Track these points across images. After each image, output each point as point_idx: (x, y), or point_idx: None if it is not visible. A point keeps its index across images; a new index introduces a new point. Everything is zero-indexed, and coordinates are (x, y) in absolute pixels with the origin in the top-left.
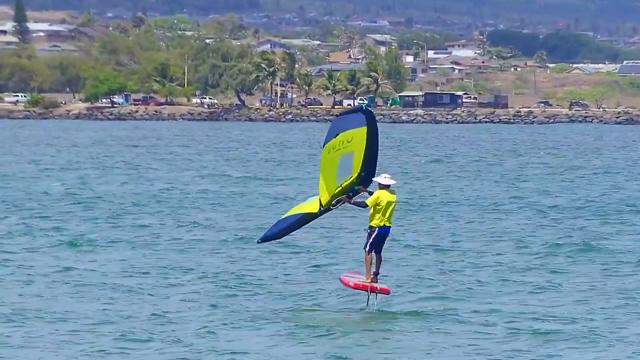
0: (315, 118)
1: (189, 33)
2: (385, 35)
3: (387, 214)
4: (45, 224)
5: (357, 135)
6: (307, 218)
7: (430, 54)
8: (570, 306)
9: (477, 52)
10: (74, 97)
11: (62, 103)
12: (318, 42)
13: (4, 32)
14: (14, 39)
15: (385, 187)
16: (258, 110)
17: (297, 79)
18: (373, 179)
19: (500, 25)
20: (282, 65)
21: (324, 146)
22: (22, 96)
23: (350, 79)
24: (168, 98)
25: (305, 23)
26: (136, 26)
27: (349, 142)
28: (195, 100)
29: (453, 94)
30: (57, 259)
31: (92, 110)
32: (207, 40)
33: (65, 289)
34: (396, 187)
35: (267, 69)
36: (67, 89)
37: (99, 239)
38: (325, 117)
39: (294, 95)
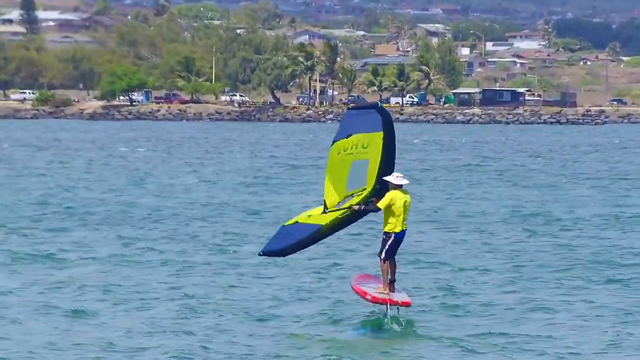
0: None
1: (217, 22)
2: (438, 25)
3: (402, 217)
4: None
5: (373, 142)
6: (319, 234)
7: (489, 45)
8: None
9: (542, 43)
10: (88, 95)
11: (74, 101)
12: (362, 32)
13: (10, 21)
14: (21, 29)
15: (398, 187)
16: (295, 109)
17: (339, 74)
18: (384, 177)
19: (568, 13)
20: (322, 58)
21: (333, 144)
22: (30, 93)
23: (399, 74)
24: (193, 95)
25: (348, 11)
26: (158, 15)
27: (365, 148)
28: (224, 98)
29: (514, 90)
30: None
31: (108, 109)
32: (238, 31)
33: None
34: (408, 186)
35: (305, 63)
36: (81, 85)
37: None
38: None
39: (335, 93)
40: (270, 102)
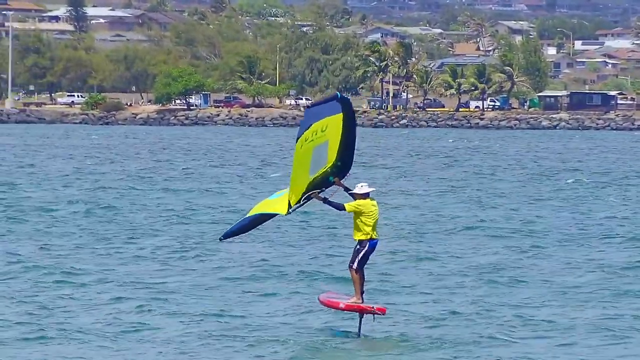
0: (435, 123)
1: (281, 20)
2: (522, 22)
3: (373, 225)
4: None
5: (332, 123)
6: (271, 216)
7: (578, 44)
8: None
9: (636, 42)
10: (142, 98)
11: (127, 105)
12: (439, 30)
13: (57, 18)
14: (69, 27)
15: (365, 196)
16: (365, 114)
17: (414, 76)
18: (350, 191)
19: None
20: (395, 58)
21: (297, 141)
22: (78, 96)
23: (479, 75)
24: (256, 99)
25: (423, 7)
26: (217, 11)
27: (323, 131)
28: (289, 101)
29: (605, 93)
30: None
31: (163, 113)
32: (304, 29)
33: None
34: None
35: (377, 64)
36: (133, 88)
37: None
38: (447, 122)
39: (410, 96)
40: None
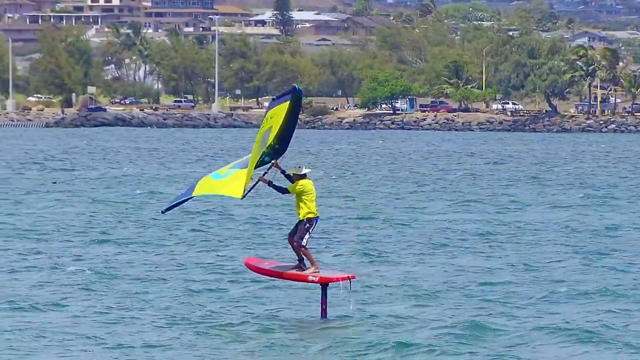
0: None
1: (487, 24)
2: None
3: (314, 202)
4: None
5: (279, 111)
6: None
7: None
8: None
9: None
10: (348, 102)
11: (332, 109)
12: None
13: (263, 22)
14: (275, 31)
15: (303, 176)
16: (573, 118)
17: (621, 80)
18: (287, 171)
19: None
20: (603, 63)
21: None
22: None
23: None
24: (462, 103)
25: (631, 11)
26: (423, 15)
27: (271, 118)
28: (495, 106)
29: None
30: None
31: (369, 117)
32: (510, 33)
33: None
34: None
35: (584, 68)
36: (339, 92)
37: None
38: None
39: (618, 100)
40: (546, 111)
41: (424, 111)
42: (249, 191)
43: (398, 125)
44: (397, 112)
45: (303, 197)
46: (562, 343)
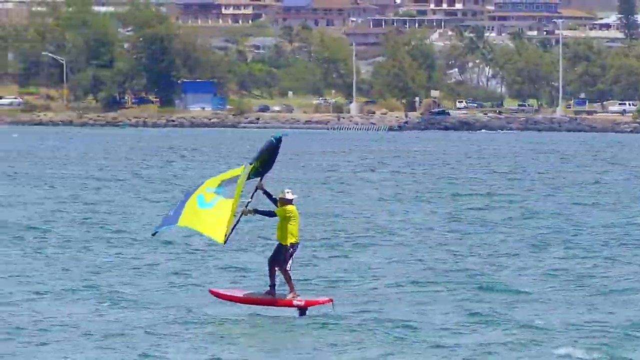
0: None
1: None
2: None
3: (297, 228)
4: None
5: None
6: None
7: None
8: None
9: None
10: None
11: None
12: None
13: (608, 25)
14: (620, 35)
15: (290, 202)
16: None
17: None
18: (274, 196)
19: None
20: None
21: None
22: (629, 104)
23: None
24: None
25: None
26: None
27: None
28: None
29: None
30: None
31: None
32: None
33: None
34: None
35: None
36: None
37: None
38: None
39: None
40: None
41: None
42: (230, 233)
43: None
44: None
45: (289, 223)
46: None
